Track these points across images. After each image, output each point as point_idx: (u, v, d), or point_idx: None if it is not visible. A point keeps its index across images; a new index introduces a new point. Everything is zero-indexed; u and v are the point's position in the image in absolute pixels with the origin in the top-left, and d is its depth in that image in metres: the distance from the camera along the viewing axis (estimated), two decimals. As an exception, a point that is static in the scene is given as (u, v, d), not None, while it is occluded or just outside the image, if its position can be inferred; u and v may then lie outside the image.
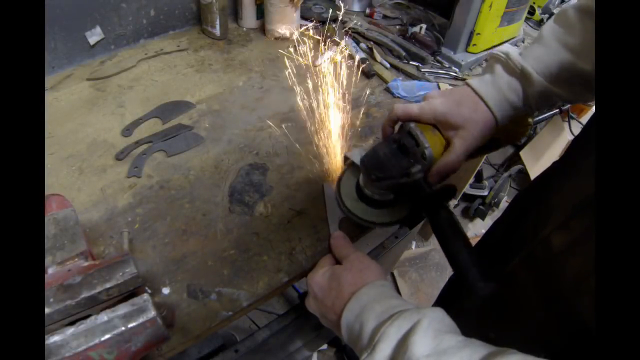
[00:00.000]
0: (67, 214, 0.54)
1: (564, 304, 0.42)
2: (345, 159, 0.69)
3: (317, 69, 0.79)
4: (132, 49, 1.06)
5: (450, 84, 1.09)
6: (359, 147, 0.81)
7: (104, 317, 0.45)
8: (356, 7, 1.33)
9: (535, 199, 0.58)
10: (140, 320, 0.46)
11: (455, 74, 1.12)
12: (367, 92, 1.00)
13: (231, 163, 0.81)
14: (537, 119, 1.38)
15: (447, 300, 0.77)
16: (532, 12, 1.46)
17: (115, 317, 0.45)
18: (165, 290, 0.60)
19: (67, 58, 0.96)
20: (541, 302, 0.46)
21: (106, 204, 0.71)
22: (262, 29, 1.19)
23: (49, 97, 0.89)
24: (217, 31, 1.12)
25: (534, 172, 1.85)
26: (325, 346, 1.63)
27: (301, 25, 1.15)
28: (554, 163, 0.63)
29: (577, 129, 1.58)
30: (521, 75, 0.57)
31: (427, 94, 0.62)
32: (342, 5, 0.97)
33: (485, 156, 1.66)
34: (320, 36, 1.10)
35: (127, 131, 0.84)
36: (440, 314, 0.43)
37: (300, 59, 0.83)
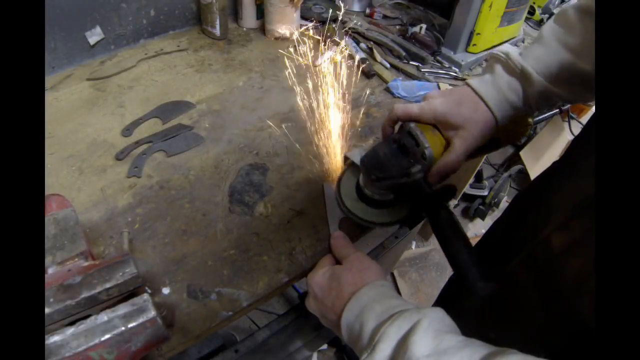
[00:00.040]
0: (67, 214, 0.54)
1: (564, 304, 0.42)
2: (345, 159, 0.69)
3: (317, 69, 0.79)
4: (132, 49, 1.06)
5: (450, 84, 1.09)
6: (359, 147, 0.81)
7: (104, 317, 0.45)
8: (356, 7, 1.33)
9: (535, 199, 0.58)
10: (140, 320, 0.46)
11: (455, 74, 1.12)
12: (367, 92, 1.00)
13: (231, 163, 0.81)
14: (537, 118, 1.38)
15: (447, 300, 0.77)
16: (532, 12, 1.46)
17: (115, 317, 0.45)
18: (165, 290, 0.60)
19: (67, 58, 0.96)
20: (541, 302, 0.46)
21: (106, 204, 0.71)
22: (262, 29, 1.19)
23: (49, 97, 0.89)
24: (217, 31, 1.12)
25: (534, 172, 1.85)
26: (325, 346, 1.63)
27: (301, 25, 1.15)
28: (554, 163, 0.63)
29: (577, 129, 1.58)
30: (521, 75, 0.57)
31: (427, 94, 0.62)
32: (342, 5, 0.97)
33: (485, 156, 1.66)
34: (320, 36, 1.10)
35: (127, 131, 0.84)
36: (440, 314, 0.43)
37: (300, 59, 0.83)
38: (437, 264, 1.98)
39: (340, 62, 0.76)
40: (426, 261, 2.00)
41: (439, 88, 1.06)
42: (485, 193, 2.11)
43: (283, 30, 1.13)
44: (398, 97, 1.02)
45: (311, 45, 0.84)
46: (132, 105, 0.90)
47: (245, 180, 0.77)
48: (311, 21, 1.19)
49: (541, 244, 0.46)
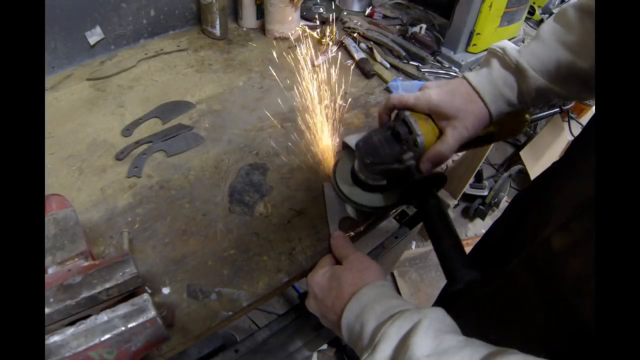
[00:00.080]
0: (67, 214, 0.54)
1: (564, 305, 0.42)
2: (344, 144, 0.69)
3: (317, 68, 0.79)
4: (132, 49, 1.06)
5: (450, 84, 1.09)
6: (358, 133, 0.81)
7: (104, 317, 0.45)
8: (356, 7, 1.33)
9: (536, 199, 0.58)
10: (140, 320, 0.46)
11: (455, 74, 1.12)
12: (367, 92, 1.00)
13: (231, 163, 0.81)
14: (537, 116, 1.38)
15: (447, 300, 0.77)
16: (532, 12, 1.46)
17: (115, 317, 0.45)
18: (165, 290, 0.60)
19: (67, 58, 0.96)
20: (541, 303, 0.46)
21: (106, 204, 0.71)
22: (262, 29, 1.19)
23: (49, 97, 0.89)
24: (217, 31, 1.11)
25: (534, 172, 1.85)
26: (325, 346, 1.63)
27: (301, 25, 1.15)
28: (554, 163, 0.63)
29: (577, 129, 1.58)
30: (516, 70, 0.57)
31: (424, 85, 0.63)
32: (342, 5, 0.97)
33: (485, 156, 1.66)
34: (320, 36, 1.10)
35: (127, 131, 0.84)
36: (440, 314, 0.43)
37: (300, 59, 0.83)
38: (437, 264, 1.98)
39: (340, 62, 0.76)
40: (426, 261, 2.00)
41: (439, 88, 1.06)
42: (485, 193, 2.11)
43: (283, 30, 1.13)
44: (398, 97, 1.02)
45: (311, 45, 0.84)
46: (132, 105, 0.90)
47: (245, 180, 0.77)
48: (311, 21, 1.19)
49: (541, 245, 0.46)
